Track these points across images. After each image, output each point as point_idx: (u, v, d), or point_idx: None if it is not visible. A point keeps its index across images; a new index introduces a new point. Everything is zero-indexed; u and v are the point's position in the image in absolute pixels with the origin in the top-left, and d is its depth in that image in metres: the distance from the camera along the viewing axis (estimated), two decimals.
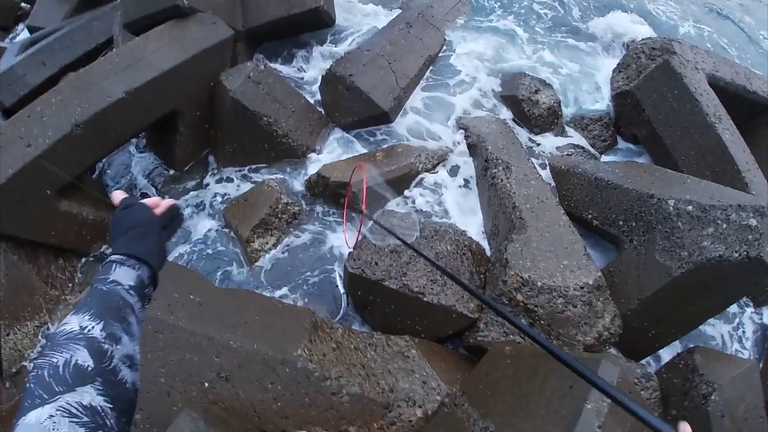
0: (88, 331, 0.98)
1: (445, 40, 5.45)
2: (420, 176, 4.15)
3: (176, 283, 2.75)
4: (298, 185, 4.26)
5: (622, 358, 3.18)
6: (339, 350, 2.81)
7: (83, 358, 0.92)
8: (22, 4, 7.97)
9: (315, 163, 4.35)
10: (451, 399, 2.77)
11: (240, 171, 4.46)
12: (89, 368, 0.91)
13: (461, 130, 4.45)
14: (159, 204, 1.45)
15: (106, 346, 0.97)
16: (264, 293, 3.57)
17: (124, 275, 1.17)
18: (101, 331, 0.99)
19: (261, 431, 2.52)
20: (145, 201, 1.42)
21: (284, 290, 3.73)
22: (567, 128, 4.86)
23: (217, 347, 2.55)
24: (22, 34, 7.08)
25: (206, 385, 2.53)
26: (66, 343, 0.93)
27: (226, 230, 4.09)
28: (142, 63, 3.97)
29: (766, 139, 4.74)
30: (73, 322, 0.99)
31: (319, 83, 4.76)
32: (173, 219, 1.49)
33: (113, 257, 1.20)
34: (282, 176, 4.34)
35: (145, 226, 1.31)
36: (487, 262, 3.51)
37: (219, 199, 4.34)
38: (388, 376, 2.81)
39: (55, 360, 0.90)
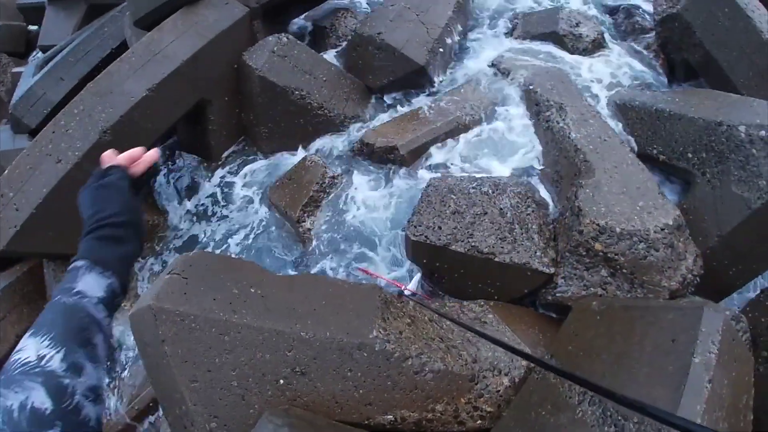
0: (46, 362, 0.86)
1: None
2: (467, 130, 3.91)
3: (234, 278, 2.58)
4: (343, 155, 4.09)
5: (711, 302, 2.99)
6: (414, 325, 2.65)
7: (40, 399, 0.80)
8: (30, 27, 7.90)
9: (357, 132, 4.17)
10: None
11: (280, 152, 4.31)
12: (47, 411, 0.80)
13: (503, 75, 4.17)
14: (140, 157, 1.28)
15: (67, 381, 0.85)
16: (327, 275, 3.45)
17: (93, 285, 1.04)
18: (61, 361, 0.87)
19: (345, 423, 2.38)
20: (124, 156, 1.26)
21: (343, 269, 3.60)
22: (616, 60, 4.55)
23: (289, 341, 2.40)
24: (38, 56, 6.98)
25: (281, 382, 2.38)
26: (21, 380, 0.82)
27: (276, 214, 3.96)
28: (160, 56, 3.87)
29: None
30: (29, 349, 0.87)
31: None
32: (151, 175, 1.34)
33: (80, 263, 1.06)
34: (324, 149, 4.18)
35: (123, 225, 1.15)
36: (553, 212, 3.30)
37: (261, 181, 4.22)
38: (469, 346, 2.65)
39: (8, 403, 0.78)
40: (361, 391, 2.40)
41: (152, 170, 1.31)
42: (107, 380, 3.55)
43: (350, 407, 2.41)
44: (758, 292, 3.18)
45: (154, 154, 1.30)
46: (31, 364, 0.84)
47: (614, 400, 1.20)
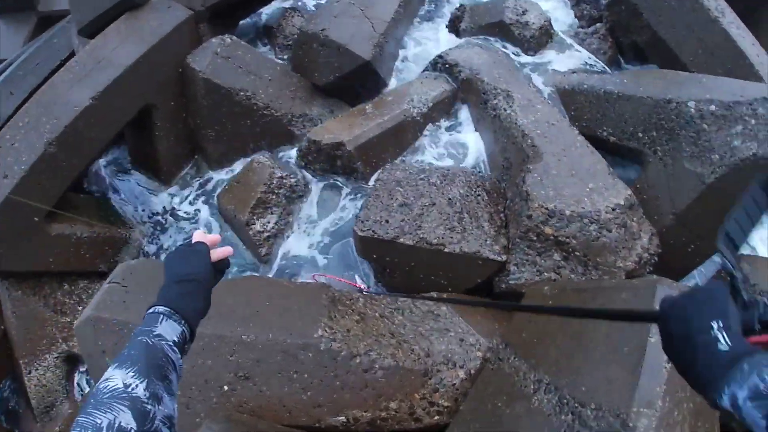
0: (132, 389, 0.94)
1: None
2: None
3: None
4: (291, 156, 4.01)
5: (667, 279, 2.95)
6: (363, 322, 2.56)
7: (126, 419, 0.89)
8: None
9: (303, 130, 4.07)
10: (494, 353, 2.53)
11: (229, 160, 4.26)
12: (132, 430, 0.88)
13: (450, 66, 4.11)
14: (217, 242, 1.46)
15: (149, 407, 0.93)
16: (281, 277, 3.38)
17: (170, 330, 1.15)
18: (145, 390, 0.95)
19: (295, 427, 2.29)
20: (210, 237, 1.44)
21: (301, 270, 3.53)
22: (562, 46, 4.52)
23: (230, 345, 2.31)
24: None
25: (225, 388, 2.29)
26: (109, 402, 0.90)
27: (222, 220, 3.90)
28: (103, 63, 3.76)
29: None
30: (116, 378, 0.96)
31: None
32: (225, 266, 1.48)
33: (160, 309, 1.19)
34: (272, 150, 4.10)
35: (200, 283, 1.30)
36: (504, 199, 3.23)
37: (210, 190, 4.16)
38: (421, 340, 2.57)
39: (98, 420, 0.87)
40: (309, 393, 2.31)
41: (226, 262, 1.48)
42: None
43: (299, 410, 2.31)
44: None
45: (229, 250, 1.47)
46: (119, 390, 0.93)
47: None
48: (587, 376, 2.02)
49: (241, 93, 3.90)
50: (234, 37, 4.14)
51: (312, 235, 3.69)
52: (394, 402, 2.38)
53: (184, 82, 4.10)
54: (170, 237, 4.05)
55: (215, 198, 4.00)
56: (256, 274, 3.43)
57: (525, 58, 4.39)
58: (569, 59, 4.41)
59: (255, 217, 3.57)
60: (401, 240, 2.89)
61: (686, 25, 3.92)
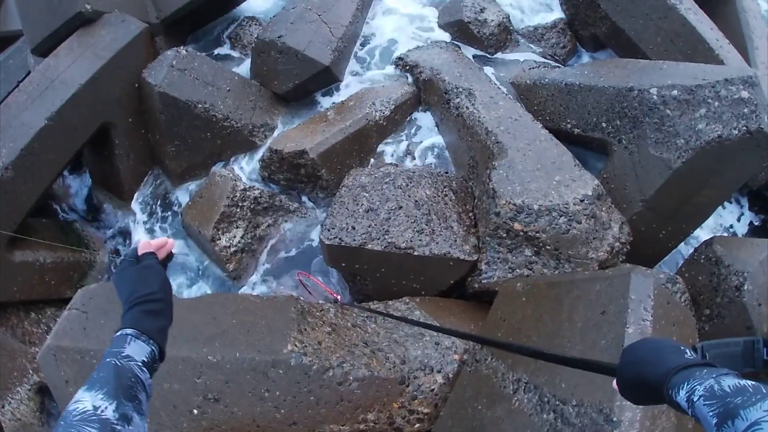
0: (102, 411, 0.95)
1: None
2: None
3: None
4: (254, 168, 3.92)
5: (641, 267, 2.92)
6: (335, 333, 2.50)
7: None
8: None
9: (265, 140, 4.01)
10: (471, 355, 2.47)
11: (190, 174, 4.13)
12: None
13: (411, 68, 4.07)
14: (165, 245, 1.49)
15: (119, 428, 0.95)
16: (250, 292, 3.31)
17: (138, 350, 1.17)
18: (114, 411, 0.97)
19: None
20: (154, 243, 1.45)
21: (272, 283, 3.49)
22: (522, 42, 4.51)
23: (197, 367, 2.23)
24: None
25: (195, 412, 2.21)
26: (79, 425, 0.91)
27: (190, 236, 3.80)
28: (57, 82, 3.65)
29: (728, 14, 4.46)
30: (86, 401, 0.97)
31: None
32: (169, 260, 1.53)
33: (128, 331, 1.20)
34: (234, 163, 4.01)
35: (162, 301, 1.31)
36: (473, 198, 3.19)
37: (174, 205, 4.04)
38: (396, 347, 2.50)
39: None
40: (282, 410, 2.23)
41: (170, 256, 1.52)
42: None
43: (273, 429, 2.23)
44: (692, 251, 3.14)
45: (172, 243, 1.51)
46: (88, 412, 0.94)
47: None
48: (566, 373, 1.98)
49: (200, 105, 3.80)
50: (190, 49, 4.04)
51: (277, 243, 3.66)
52: (372, 413, 2.31)
53: (142, 98, 3.99)
54: None
55: (179, 215, 3.90)
56: (225, 292, 3.33)
57: (485, 56, 4.36)
58: (529, 55, 4.39)
59: (220, 233, 3.47)
60: (369, 246, 2.84)
61: (644, 13, 3.92)
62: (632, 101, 3.12)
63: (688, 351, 1.01)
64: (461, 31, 4.42)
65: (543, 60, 4.38)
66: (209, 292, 3.56)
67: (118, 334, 1.20)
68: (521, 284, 2.55)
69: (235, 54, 4.73)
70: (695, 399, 0.86)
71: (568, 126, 3.49)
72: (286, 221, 3.72)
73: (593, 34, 4.40)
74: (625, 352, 1.09)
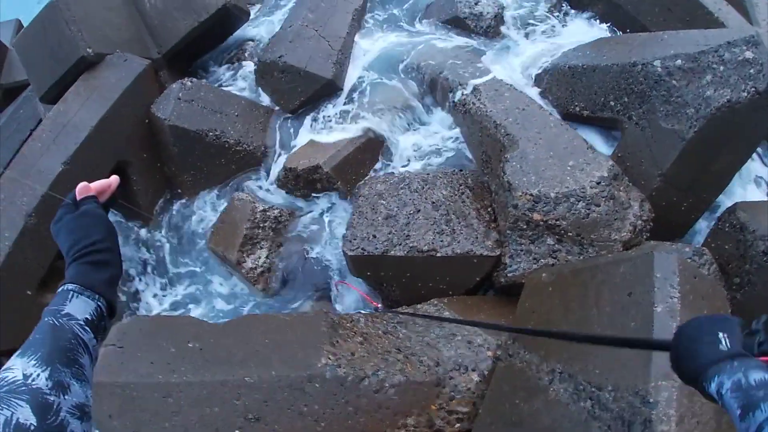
0: (32, 380, 0.87)
1: None
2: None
3: (170, 337, 2.46)
4: (271, 188, 3.96)
5: (665, 243, 2.90)
6: (367, 342, 2.52)
7: (25, 415, 0.81)
8: None
9: (279, 159, 4.04)
10: (504, 350, 2.47)
11: (209, 194, 4.17)
12: (32, 427, 0.80)
13: (413, 70, 4.09)
14: (108, 187, 1.35)
15: (53, 398, 0.86)
16: (282, 311, 3.35)
17: (81, 307, 1.07)
18: (47, 380, 0.88)
19: None
20: (94, 185, 1.31)
21: (301, 300, 3.51)
22: (519, 29, 4.49)
23: (234, 389, 2.26)
24: None
25: None
26: (7, 398, 0.82)
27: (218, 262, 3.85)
28: (69, 127, 3.73)
29: None
30: (16, 368, 0.89)
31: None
32: (114, 200, 1.39)
33: (70, 286, 1.09)
34: (251, 185, 4.04)
35: (107, 251, 1.20)
36: (490, 193, 3.19)
37: (200, 230, 4.06)
38: (429, 350, 2.52)
39: None
40: (322, 424, 2.25)
41: (116, 194, 1.38)
42: None
43: None
44: (715, 220, 3.11)
45: (116, 181, 1.36)
46: (18, 382, 0.86)
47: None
48: (599, 359, 1.98)
49: (210, 133, 3.87)
50: (194, 80, 4.12)
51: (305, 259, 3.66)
52: (411, 417, 2.33)
53: (153, 132, 4.07)
54: (172, 288, 3.98)
55: (204, 242, 3.96)
56: (254, 314, 3.36)
57: (485, 47, 4.34)
58: (528, 42, 4.38)
59: (245, 255, 3.52)
60: (392, 252, 2.86)
61: None
62: (637, 76, 3.10)
63: (723, 339, 1.01)
64: (459, 26, 4.43)
65: (547, 38, 4.35)
66: (236, 303, 3.65)
67: (60, 289, 1.10)
68: (546, 274, 2.54)
69: (239, 77, 4.79)
70: (723, 392, 0.91)
71: (577, 109, 3.47)
72: (308, 235, 3.75)
73: (592, 15, 4.38)
74: (687, 322, 1.11)
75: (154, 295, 3.96)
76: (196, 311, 3.74)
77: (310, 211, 3.77)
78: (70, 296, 1.07)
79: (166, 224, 4.20)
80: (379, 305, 3.05)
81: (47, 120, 3.87)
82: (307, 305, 3.51)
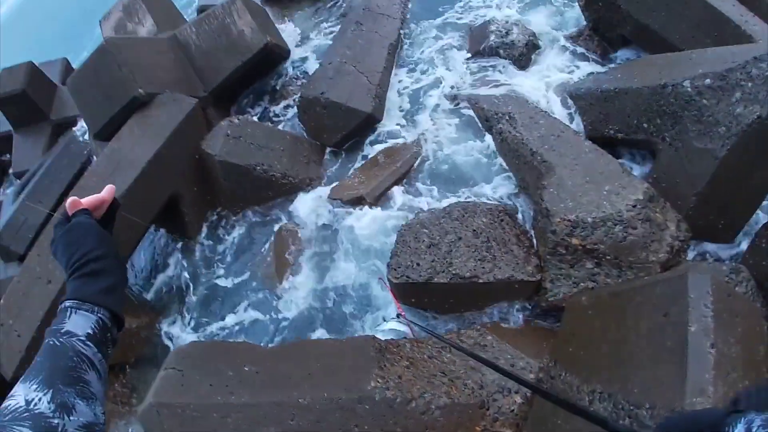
0: (35, 405, 0.84)
1: (401, 23, 5.24)
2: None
3: (227, 361, 2.61)
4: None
5: (704, 260, 2.93)
6: (414, 366, 2.62)
7: None
8: (1, 158, 8.07)
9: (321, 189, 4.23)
10: (546, 373, 2.55)
11: (254, 215, 4.37)
12: None
13: (452, 100, 4.22)
14: (101, 202, 1.26)
15: (56, 422, 0.84)
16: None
17: (80, 323, 1.03)
18: (49, 403, 0.85)
19: None
20: (88, 200, 1.23)
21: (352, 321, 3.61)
22: (552, 55, 4.59)
23: (289, 410, 2.38)
24: (15, 183, 7.13)
25: None
26: (10, 426, 0.80)
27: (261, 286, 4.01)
28: (123, 164, 3.94)
29: None
30: (18, 395, 0.86)
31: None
32: (115, 209, 1.31)
33: (67, 303, 1.06)
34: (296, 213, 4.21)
35: (102, 259, 1.13)
36: (529, 219, 3.29)
37: (247, 253, 4.25)
38: (473, 374, 2.61)
39: None
40: None
41: (115, 205, 1.30)
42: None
43: None
44: (753, 237, 3.12)
45: (110, 190, 1.29)
46: (20, 409, 0.83)
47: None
48: (637, 378, 2.05)
49: (258, 168, 4.06)
50: (241, 117, 4.34)
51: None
52: None
53: (203, 167, 4.28)
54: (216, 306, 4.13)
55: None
56: (305, 339, 3.49)
57: (519, 74, 4.45)
58: (561, 67, 4.47)
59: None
60: (435, 280, 2.95)
61: (664, 4, 3.93)
62: (668, 97, 3.16)
63: None
64: (493, 54, 4.55)
65: (576, 69, 4.43)
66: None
67: (59, 308, 1.07)
68: (585, 298, 2.62)
69: (281, 113, 4.99)
70: (754, 428, 0.86)
71: (611, 132, 3.54)
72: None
73: (620, 35, 4.43)
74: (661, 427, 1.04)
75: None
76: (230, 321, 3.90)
77: None
78: (68, 313, 1.04)
79: (210, 247, 4.41)
80: (403, 312, 3.12)
81: (102, 156, 4.11)
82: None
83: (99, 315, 1.06)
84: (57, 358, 0.95)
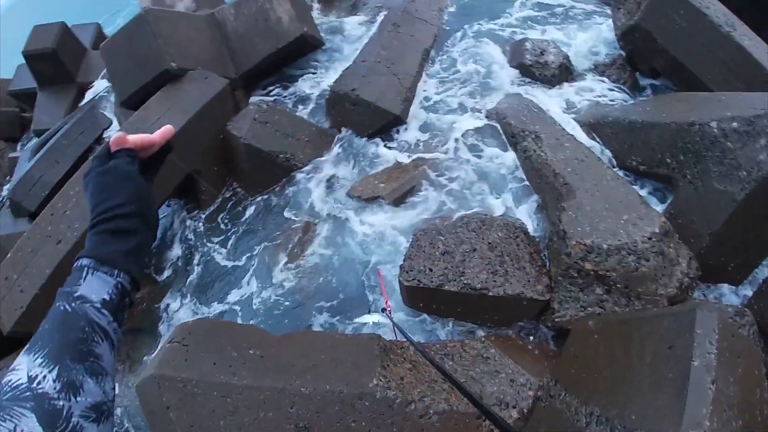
0: (38, 384, 0.77)
1: (437, 29, 5.29)
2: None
3: (233, 342, 2.63)
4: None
5: (709, 301, 2.97)
6: (416, 369, 2.65)
7: (30, 426, 0.72)
8: (23, 114, 8.14)
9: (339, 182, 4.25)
10: (545, 391, 2.58)
11: (269, 200, 4.38)
12: None
13: (481, 114, 4.25)
14: (152, 143, 1.14)
15: (62, 403, 0.76)
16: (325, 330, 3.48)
17: (96, 287, 0.92)
18: (55, 381, 0.78)
19: None
20: (135, 138, 1.10)
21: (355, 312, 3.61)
22: (584, 81, 4.63)
23: (290, 397, 2.41)
24: (33, 140, 7.17)
25: None
26: (10, 407, 0.73)
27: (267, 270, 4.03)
28: (148, 133, 3.91)
29: None
30: (21, 369, 0.79)
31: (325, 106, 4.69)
32: (165, 155, 1.19)
33: (84, 261, 0.94)
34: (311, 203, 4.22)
35: (132, 216, 1.00)
36: (544, 238, 3.32)
37: (256, 236, 4.25)
38: (473, 384, 2.65)
39: None
40: None
41: (167, 148, 1.17)
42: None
43: None
44: (760, 283, 3.15)
45: (166, 132, 1.16)
46: (21, 387, 0.76)
47: None
48: (636, 405, 2.08)
49: (281, 155, 4.10)
50: (270, 103, 4.38)
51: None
52: None
53: (226, 148, 4.32)
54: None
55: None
56: (313, 330, 3.51)
57: (549, 95, 4.49)
58: (591, 93, 4.50)
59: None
60: (446, 287, 2.98)
61: (700, 44, 3.96)
62: (694, 136, 3.19)
63: None
64: (525, 73, 4.59)
65: (605, 96, 4.46)
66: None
67: (75, 264, 0.94)
68: (593, 322, 2.65)
69: (302, 100, 5.02)
70: None
71: (634, 163, 3.58)
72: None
73: (652, 68, 4.46)
74: None
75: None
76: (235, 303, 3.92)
77: None
78: (84, 274, 0.92)
79: (220, 225, 4.43)
80: (390, 309, 3.10)
81: (127, 124, 4.18)
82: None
83: (119, 279, 0.95)
84: (67, 328, 0.85)
